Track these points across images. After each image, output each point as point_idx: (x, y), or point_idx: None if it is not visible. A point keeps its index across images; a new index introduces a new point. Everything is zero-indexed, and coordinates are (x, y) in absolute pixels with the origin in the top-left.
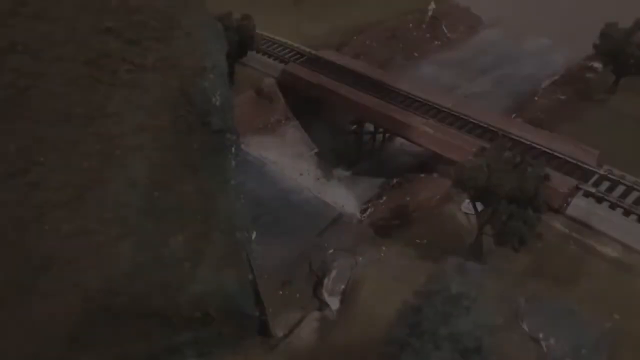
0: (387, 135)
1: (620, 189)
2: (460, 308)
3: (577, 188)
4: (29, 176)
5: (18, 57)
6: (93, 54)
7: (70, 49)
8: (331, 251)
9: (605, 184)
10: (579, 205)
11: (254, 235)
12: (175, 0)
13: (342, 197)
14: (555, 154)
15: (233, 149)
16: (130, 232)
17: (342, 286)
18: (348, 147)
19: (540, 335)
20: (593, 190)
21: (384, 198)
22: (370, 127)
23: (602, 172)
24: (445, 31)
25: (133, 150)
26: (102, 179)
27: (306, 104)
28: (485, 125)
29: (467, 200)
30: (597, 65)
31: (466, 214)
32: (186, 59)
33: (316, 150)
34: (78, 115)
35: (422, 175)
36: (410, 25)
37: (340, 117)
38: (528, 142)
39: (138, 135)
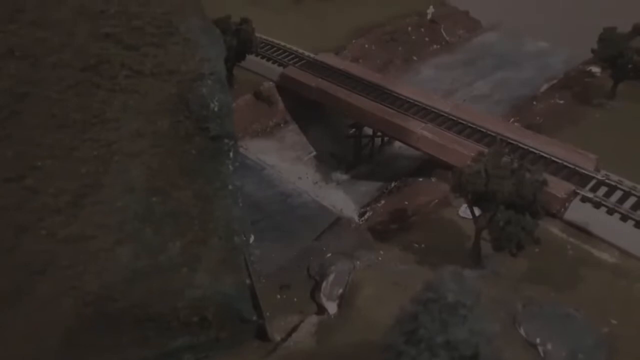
0: (385, 139)
1: (618, 194)
2: (457, 316)
3: (575, 193)
4: (26, 181)
5: (16, 63)
6: (91, 59)
7: (68, 55)
8: (329, 255)
9: (603, 189)
10: (576, 210)
11: (252, 239)
12: (173, 6)
13: (341, 200)
14: (553, 158)
15: (231, 154)
16: (128, 238)
17: (340, 290)
18: (346, 150)
19: (538, 341)
20: (591, 195)
21: (382, 202)
22: (368, 130)
23: (600, 177)
24: (444, 34)
25: (131, 156)
26: (100, 185)
27: (305, 108)
28: (484, 130)
29: (465, 205)
30: (596, 69)
31: (464, 218)
32: (184, 64)
33: (315, 153)
34: (76, 121)
35: (421, 179)
36: (409, 28)
37: (339, 120)
38: (526, 147)
39: (136, 140)
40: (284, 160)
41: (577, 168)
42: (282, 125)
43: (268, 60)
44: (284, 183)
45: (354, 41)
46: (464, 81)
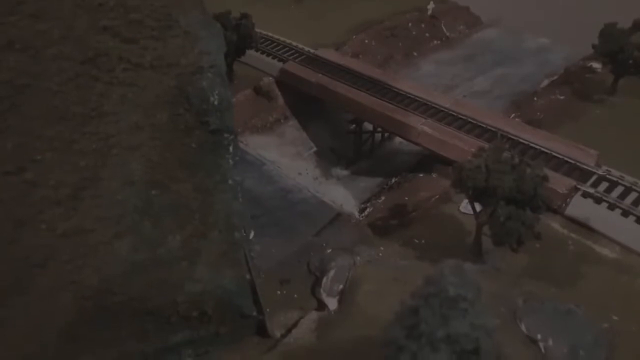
0: (385, 134)
1: (619, 190)
2: (457, 310)
3: (576, 188)
4: (25, 174)
5: (16, 55)
6: (90, 52)
7: (67, 48)
8: (329, 251)
9: (604, 185)
10: (577, 206)
11: (252, 235)
12: (172, 0)
13: (341, 196)
14: (554, 154)
15: (231, 149)
16: (128, 231)
17: (340, 286)
18: (347, 146)
19: (538, 336)
20: (592, 190)
21: (383, 198)
22: (369, 126)
23: (600, 172)
24: (445, 30)
25: (130, 149)
26: (99, 178)
27: (305, 103)
28: (484, 125)
29: (466, 201)
30: (596, 65)
31: (465, 214)
32: (184, 57)
33: (315, 149)
34: (75, 114)
35: (421, 175)
36: (410, 24)
37: (339, 116)
38: (526, 142)
39: (135, 134)
40: (284, 156)
41: (577, 163)
42: (282, 120)
43: (268, 55)
44: (284, 179)
45: (354, 37)
46: (464, 77)
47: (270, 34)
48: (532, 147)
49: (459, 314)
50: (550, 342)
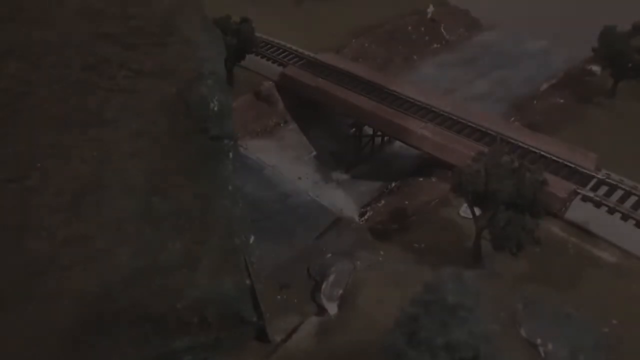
0: (385, 138)
1: (618, 193)
2: (457, 318)
3: (576, 192)
4: (26, 181)
5: (16, 63)
6: (91, 59)
7: (68, 55)
8: (329, 255)
9: (604, 189)
10: (577, 210)
11: (251, 240)
12: (173, 6)
13: (341, 200)
14: (554, 158)
15: (231, 154)
16: (128, 238)
17: (340, 291)
18: (347, 150)
19: (538, 341)
20: (591, 194)
21: (383, 202)
22: (368, 130)
23: (600, 176)
24: (444, 33)
25: (130, 156)
26: (100, 185)
27: (305, 107)
28: (484, 129)
29: (466, 205)
30: (596, 68)
31: (464, 218)
32: (184, 64)
33: (315, 153)
34: (76, 121)
35: (421, 179)
36: (409, 27)
37: (339, 120)
38: (526, 146)
39: (135, 141)
40: (284, 160)
41: (577, 167)
42: (282, 124)
43: (268, 59)
44: (284, 183)
45: (354, 40)
46: (464, 80)
47: (270, 38)
48: (531, 151)
49: (458, 322)
50: (550, 346)
